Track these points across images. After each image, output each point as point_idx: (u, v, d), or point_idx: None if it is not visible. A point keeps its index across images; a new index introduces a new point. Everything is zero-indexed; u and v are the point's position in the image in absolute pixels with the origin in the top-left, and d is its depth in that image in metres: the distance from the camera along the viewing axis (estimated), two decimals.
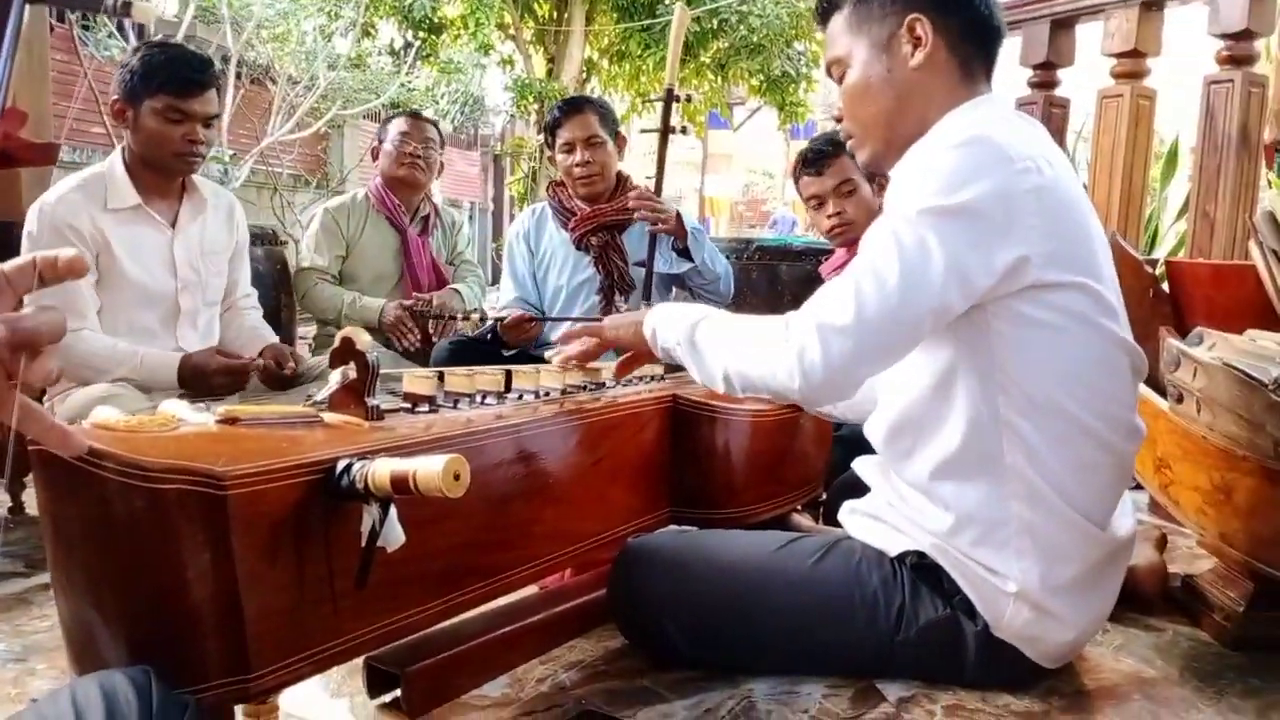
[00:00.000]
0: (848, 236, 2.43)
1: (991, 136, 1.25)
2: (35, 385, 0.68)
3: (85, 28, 6.13)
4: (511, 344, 2.73)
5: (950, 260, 1.20)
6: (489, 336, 2.76)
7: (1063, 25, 3.00)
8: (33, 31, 3.21)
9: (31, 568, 1.97)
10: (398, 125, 3.20)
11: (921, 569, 1.39)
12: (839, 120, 1.51)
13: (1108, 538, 1.36)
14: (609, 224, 2.82)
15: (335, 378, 1.25)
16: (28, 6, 1.50)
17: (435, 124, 3.29)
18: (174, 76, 2.15)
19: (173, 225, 2.28)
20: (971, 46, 1.38)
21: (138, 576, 0.96)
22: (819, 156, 2.42)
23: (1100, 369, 1.31)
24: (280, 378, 2.26)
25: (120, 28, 5.68)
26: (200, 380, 2.15)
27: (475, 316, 2.80)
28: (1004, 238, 1.21)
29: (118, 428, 1.04)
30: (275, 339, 2.48)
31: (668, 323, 1.46)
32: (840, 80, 1.44)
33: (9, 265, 0.66)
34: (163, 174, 2.25)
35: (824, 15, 1.46)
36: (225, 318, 2.47)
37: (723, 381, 1.36)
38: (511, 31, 11.50)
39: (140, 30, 5.76)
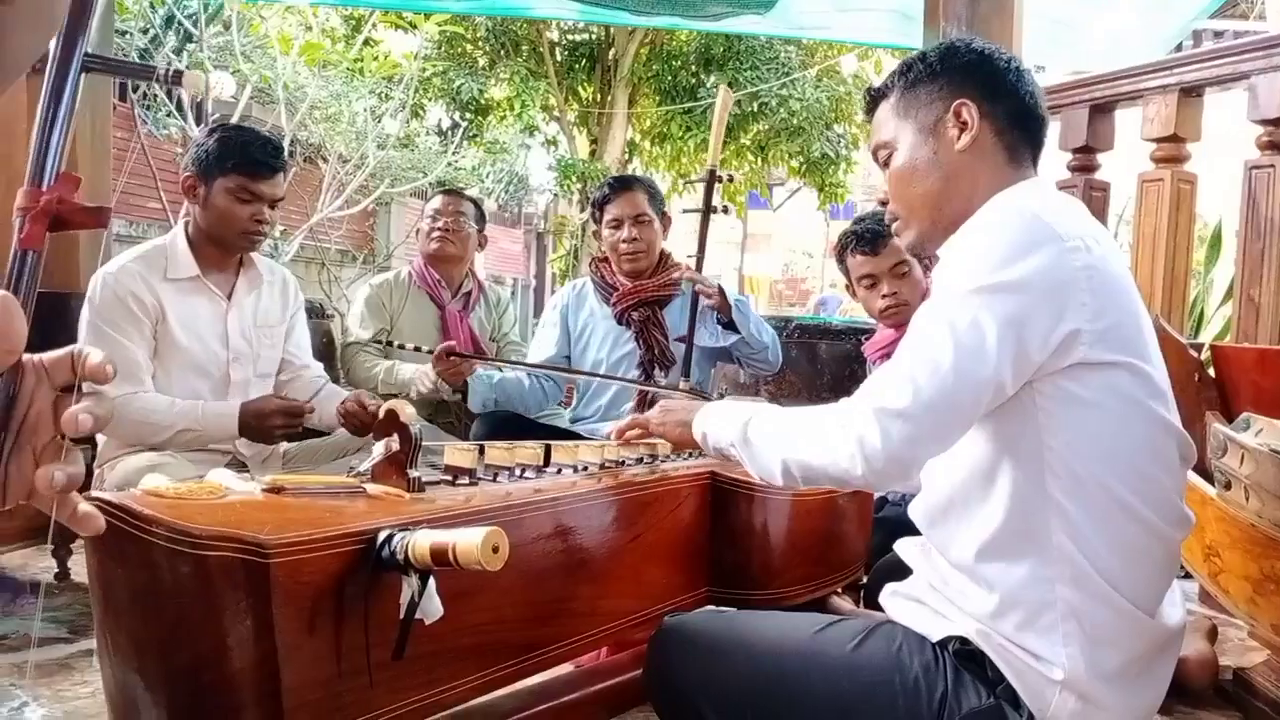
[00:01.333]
0: (901, 317, 2.40)
1: (1040, 214, 1.26)
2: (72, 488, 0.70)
3: (146, 107, 6.35)
4: (446, 380, 2.75)
5: (1003, 338, 1.21)
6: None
7: (1101, 110, 3.02)
8: (95, 107, 3.35)
9: (74, 634, 1.99)
10: (431, 204, 3.34)
11: (964, 655, 1.36)
12: (884, 204, 1.53)
13: (1156, 626, 1.32)
14: (651, 299, 2.86)
15: (379, 449, 1.27)
16: (83, 76, 1.57)
17: (472, 199, 3.37)
18: (248, 158, 2.24)
19: (228, 297, 2.34)
20: (1017, 131, 1.40)
21: (180, 643, 0.97)
22: (875, 236, 2.39)
23: (1148, 452, 1.29)
24: (364, 419, 2.26)
25: (179, 107, 5.88)
26: (260, 422, 2.19)
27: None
28: (1056, 314, 1.22)
29: (167, 494, 1.06)
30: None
31: (719, 424, 1.46)
32: (885, 164, 1.46)
33: (48, 356, 0.69)
34: (224, 249, 2.33)
35: (871, 103, 1.49)
36: (294, 386, 2.50)
37: (782, 474, 1.35)
38: (556, 113, 11.80)
39: (199, 109, 5.96)
